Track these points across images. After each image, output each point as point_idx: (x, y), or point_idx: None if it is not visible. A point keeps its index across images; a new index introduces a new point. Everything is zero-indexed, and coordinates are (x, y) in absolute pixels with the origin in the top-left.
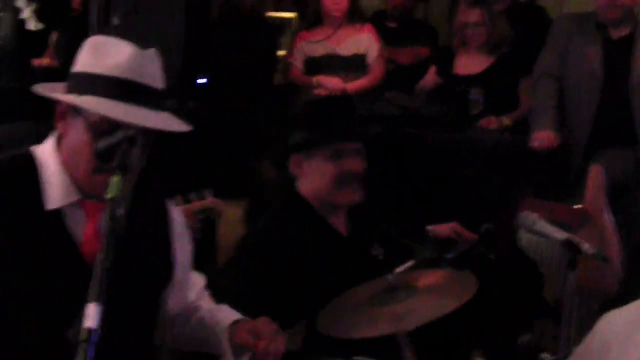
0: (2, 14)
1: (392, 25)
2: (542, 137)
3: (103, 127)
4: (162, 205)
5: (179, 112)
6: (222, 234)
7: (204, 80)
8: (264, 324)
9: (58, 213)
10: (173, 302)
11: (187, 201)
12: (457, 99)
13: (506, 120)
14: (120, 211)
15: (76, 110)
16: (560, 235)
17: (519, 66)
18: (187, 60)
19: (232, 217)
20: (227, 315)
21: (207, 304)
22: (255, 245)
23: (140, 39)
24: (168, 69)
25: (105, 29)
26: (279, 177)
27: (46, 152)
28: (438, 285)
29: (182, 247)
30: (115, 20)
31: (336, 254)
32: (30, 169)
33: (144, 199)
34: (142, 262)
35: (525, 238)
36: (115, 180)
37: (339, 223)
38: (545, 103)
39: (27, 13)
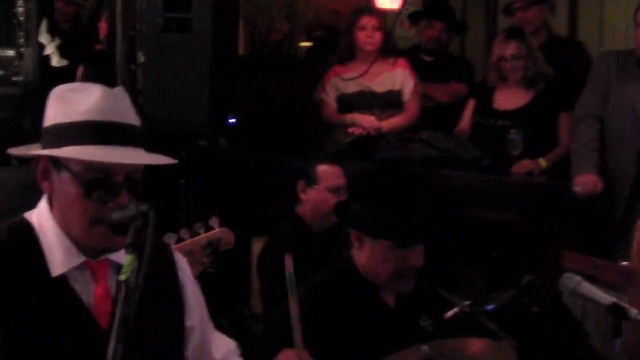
0: (24, 50)
1: (427, 58)
2: (584, 182)
3: (90, 175)
4: (167, 252)
5: (210, 152)
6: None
7: (234, 120)
8: None
9: (64, 278)
10: (194, 356)
11: (193, 233)
12: (496, 139)
13: (543, 162)
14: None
15: (58, 165)
16: (606, 299)
17: (558, 102)
18: (214, 98)
19: None
20: None
21: None
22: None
23: (165, 76)
24: (195, 107)
25: (130, 66)
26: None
27: (41, 217)
28: (476, 356)
29: (194, 294)
30: (141, 57)
31: (384, 326)
32: (29, 237)
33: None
34: (153, 317)
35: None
36: (129, 259)
37: (389, 295)
38: (587, 146)
39: (50, 49)
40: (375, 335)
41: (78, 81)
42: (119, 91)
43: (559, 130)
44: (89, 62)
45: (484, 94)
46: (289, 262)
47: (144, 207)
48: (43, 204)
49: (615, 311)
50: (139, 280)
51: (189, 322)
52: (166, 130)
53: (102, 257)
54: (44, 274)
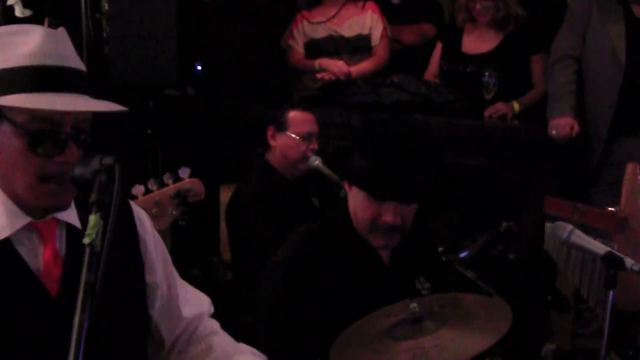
0: None
1: (395, 1)
2: (561, 125)
3: (35, 126)
4: (126, 205)
5: (178, 100)
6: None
7: (200, 68)
8: None
9: (8, 242)
10: (160, 314)
11: (161, 184)
12: (468, 82)
13: (516, 106)
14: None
15: None
16: (599, 249)
17: (530, 44)
18: (181, 45)
19: None
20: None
21: (221, 343)
22: (289, 259)
23: (131, 24)
24: (162, 55)
25: (95, 15)
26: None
27: None
28: (469, 314)
29: (155, 248)
30: (105, 5)
31: (374, 282)
32: None
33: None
34: (112, 276)
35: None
36: (93, 220)
37: (383, 250)
38: (564, 87)
39: None
40: (364, 290)
41: None
42: (61, 32)
43: (532, 73)
44: (52, 12)
45: (451, 37)
46: None
47: (108, 161)
48: None
49: (610, 261)
50: (105, 243)
51: (151, 278)
52: (133, 79)
53: (49, 217)
54: None
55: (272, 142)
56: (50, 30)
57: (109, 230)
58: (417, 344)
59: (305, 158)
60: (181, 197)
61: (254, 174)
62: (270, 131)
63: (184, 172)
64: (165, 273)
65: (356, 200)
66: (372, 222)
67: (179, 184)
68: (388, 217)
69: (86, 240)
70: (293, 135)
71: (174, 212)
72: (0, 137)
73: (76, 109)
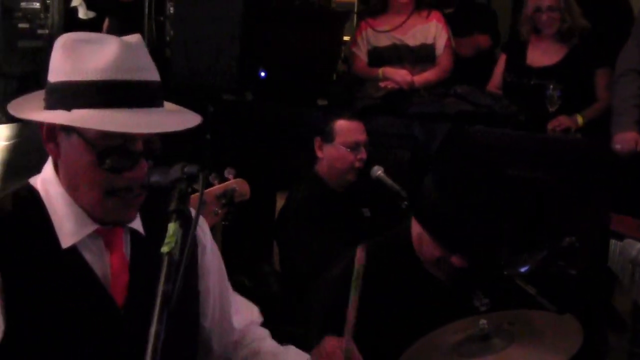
0: (50, 2)
1: (448, 10)
2: (625, 140)
3: (105, 142)
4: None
5: (236, 105)
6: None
7: (264, 74)
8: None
9: (75, 250)
10: (212, 324)
11: (207, 184)
12: (532, 95)
13: (580, 119)
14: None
15: (67, 127)
16: None
17: (595, 58)
18: (244, 50)
19: None
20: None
21: (268, 346)
22: (342, 275)
23: (195, 28)
24: (225, 60)
25: (159, 18)
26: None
27: (47, 182)
28: (539, 332)
29: (212, 256)
30: (170, 9)
31: (432, 302)
32: (36, 206)
33: (162, 204)
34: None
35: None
36: (173, 228)
37: None
38: (628, 102)
39: (76, 0)
40: (420, 309)
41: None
42: (137, 43)
43: (596, 87)
44: (115, 14)
45: (516, 49)
46: (361, 255)
47: (192, 169)
48: (49, 168)
49: None
50: (186, 253)
51: (203, 285)
52: (194, 84)
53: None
54: (53, 245)
55: (319, 154)
56: (125, 41)
57: (189, 240)
58: None
59: (353, 169)
60: (227, 197)
61: (302, 186)
62: (317, 142)
63: (230, 173)
64: (219, 281)
65: (425, 239)
66: (440, 260)
67: (224, 184)
68: (457, 261)
69: (165, 249)
70: (340, 146)
71: (219, 212)
72: (69, 148)
73: (148, 131)
